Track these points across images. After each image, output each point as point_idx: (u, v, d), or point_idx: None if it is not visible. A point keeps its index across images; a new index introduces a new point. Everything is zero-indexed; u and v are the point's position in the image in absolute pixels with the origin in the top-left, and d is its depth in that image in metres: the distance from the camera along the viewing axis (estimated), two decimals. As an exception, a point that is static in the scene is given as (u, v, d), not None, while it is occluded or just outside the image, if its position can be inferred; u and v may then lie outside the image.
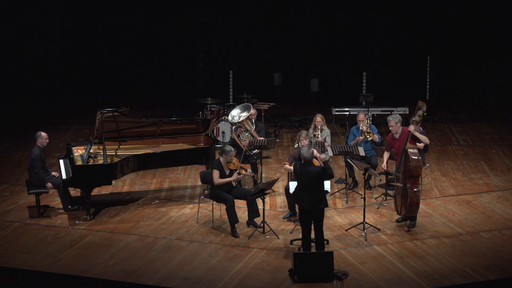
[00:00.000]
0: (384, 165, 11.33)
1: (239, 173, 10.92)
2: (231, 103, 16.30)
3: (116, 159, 11.56)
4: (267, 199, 11.40)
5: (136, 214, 11.65)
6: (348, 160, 11.68)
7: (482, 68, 19.06)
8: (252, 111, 12.79)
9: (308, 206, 9.55)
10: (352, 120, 14.87)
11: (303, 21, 19.24)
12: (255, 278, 9.43)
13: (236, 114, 12.73)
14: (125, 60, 19.34)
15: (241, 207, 11.38)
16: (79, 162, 11.47)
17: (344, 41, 19.27)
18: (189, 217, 11.47)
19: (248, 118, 12.62)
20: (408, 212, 10.72)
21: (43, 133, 11.60)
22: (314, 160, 10.00)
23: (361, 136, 12.33)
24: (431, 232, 10.78)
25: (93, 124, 12.09)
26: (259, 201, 10.97)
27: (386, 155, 11.41)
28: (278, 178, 11.37)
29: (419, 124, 11.08)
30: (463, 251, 10.13)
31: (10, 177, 13.39)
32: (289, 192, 10.78)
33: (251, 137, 12.38)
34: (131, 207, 11.93)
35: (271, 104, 16.13)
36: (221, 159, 10.91)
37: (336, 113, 16.03)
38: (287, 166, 11.06)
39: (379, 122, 16.12)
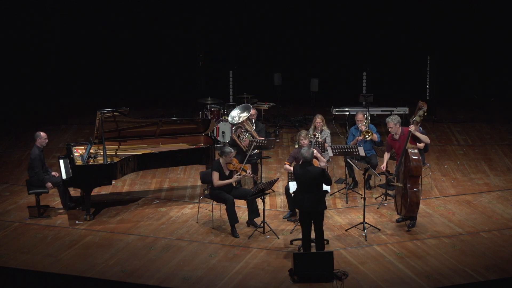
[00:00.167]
0: (384, 166, 11.33)
1: (239, 174, 10.92)
2: (231, 103, 16.31)
3: (116, 159, 11.56)
4: (267, 199, 11.40)
5: (136, 214, 11.65)
6: (348, 160, 11.68)
7: (482, 68, 19.05)
8: (252, 111, 12.79)
9: (308, 206, 9.56)
10: (352, 120, 14.88)
11: (303, 21, 19.24)
12: (255, 278, 9.43)
13: (236, 114, 12.73)
14: (125, 60, 19.34)
15: (241, 207, 11.38)
16: (79, 162, 11.47)
17: (344, 41, 19.27)
18: (189, 217, 11.47)
19: (248, 118, 12.61)
20: (408, 212, 10.72)
21: (42, 133, 11.60)
22: (314, 160, 10.00)
23: (360, 136, 12.34)
24: (431, 232, 10.78)
25: (93, 124, 12.09)
26: (259, 201, 10.97)
27: (386, 156, 11.41)
28: (278, 178, 11.37)
29: (419, 124, 11.08)
30: (463, 251, 10.13)
31: (10, 177, 13.39)
32: (289, 192, 10.78)
33: (251, 138, 12.37)
34: (131, 207, 11.93)
35: (271, 104, 16.13)
36: (220, 160, 10.91)
37: (336, 113, 16.04)
38: (287, 166, 11.06)
39: (379, 122, 16.12)
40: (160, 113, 17.63)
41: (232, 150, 10.97)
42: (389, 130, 11.15)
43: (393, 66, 19.16)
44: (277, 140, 15.38)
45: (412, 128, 10.80)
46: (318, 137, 12.17)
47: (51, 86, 19.06)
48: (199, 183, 12.40)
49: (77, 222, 11.27)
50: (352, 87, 18.25)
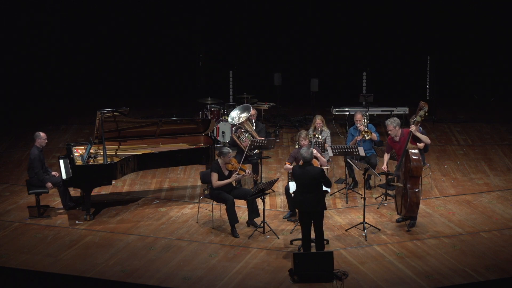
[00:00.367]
0: (384, 166, 11.34)
1: (237, 174, 10.91)
2: (231, 103, 16.31)
3: (116, 159, 11.56)
4: (267, 199, 11.40)
5: (136, 214, 11.65)
6: (348, 160, 11.68)
7: (482, 68, 19.05)
8: (252, 111, 12.79)
9: (308, 207, 9.55)
10: (352, 120, 14.88)
11: (303, 21, 19.23)
12: (255, 278, 9.43)
13: (236, 115, 12.73)
14: (125, 60, 19.33)
15: (241, 207, 11.38)
16: (79, 162, 11.47)
17: (344, 41, 19.27)
18: (189, 217, 11.47)
19: (248, 119, 12.61)
20: (408, 212, 10.72)
21: (41, 134, 11.60)
22: (314, 160, 9.99)
23: (359, 135, 12.35)
24: (431, 232, 10.78)
25: (93, 124, 12.09)
26: (259, 201, 10.97)
27: (386, 156, 11.42)
28: (278, 178, 11.37)
29: (419, 124, 11.08)
30: (463, 251, 10.13)
31: (10, 177, 13.39)
32: (289, 192, 10.78)
33: (252, 138, 12.37)
34: (131, 207, 11.93)
35: (271, 104, 16.13)
36: (219, 160, 10.91)
37: (336, 113, 16.05)
38: (287, 166, 11.06)
39: (379, 122, 16.12)
40: (160, 113, 17.62)
41: (230, 151, 10.97)
42: (389, 132, 11.16)
43: (393, 66, 19.16)
44: (277, 140, 15.38)
45: (413, 128, 10.80)
46: (318, 137, 12.17)
47: (51, 86, 19.05)
48: (199, 183, 12.40)
49: (77, 222, 11.27)
50: (352, 87, 18.25)
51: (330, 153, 11.85)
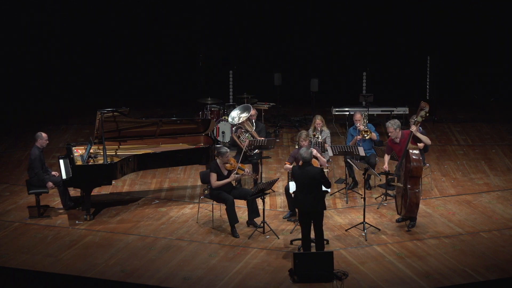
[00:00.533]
0: (385, 166, 11.34)
1: (236, 173, 10.91)
2: (231, 103, 16.31)
3: (116, 159, 11.56)
4: (267, 199, 11.40)
5: (136, 214, 11.65)
6: (348, 160, 11.68)
7: (482, 68, 19.05)
8: (252, 111, 12.79)
9: (308, 207, 9.55)
10: (352, 120, 14.88)
11: (303, 21, 19.23)
12: (255, 278, 9.43)
13: (236, 115, 12.73)
14: (125, 60, 19.34)
15: (241, 207, 11.38)
16: (79, 162, 11.47)
17: (344, 41, 19.27)
18: (189, 217, 11.47)
19: (248, 119, 12.61)
20: (407, 212, 10.72)
21: (43, 134, 11.60)
22: (314, 160, 9.99)
23: (359, 135, 12.35)
24: (431, 232, 10.78)
25: (93, 124, 12.09)
26: (259, 201, 10.97)
27: (386, 157, 11.42)
28: (278, 178, 11.37)
29: (419, 124, 11.08)
30: (463, 251, 10.13)
31: (10, 177, 13.39)
32: (289, 192, 10.78)
33: (252, 138, 12.37)
34: (131, 207, 11.93)
35: (271, 104, 16.13)
36: (217, 161, 10.91)
37: (336, 113, 16.05)
38: (287, 165, 11.06)
39: (379, 122, 16.13)
40: (160, 113, 17.62)
41: (228, 150, 10.97)
42: (389, 134, 11.17)
43: (393, 66, 19.16)
44: (277, 140, 15.38)
45: (413, 128, 10.80)
46: (318, 137, 12.17)
47: (51, 86, 19.05)
48: (199, 183, 12.40)
49: (77, 222, 11.27)
50: (352, 87, 18.25)
51: (330, 153, 11.86)
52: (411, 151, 10.59)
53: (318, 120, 12.37)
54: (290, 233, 10.78)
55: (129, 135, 12.25)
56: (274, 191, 12.49)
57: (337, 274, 9.33)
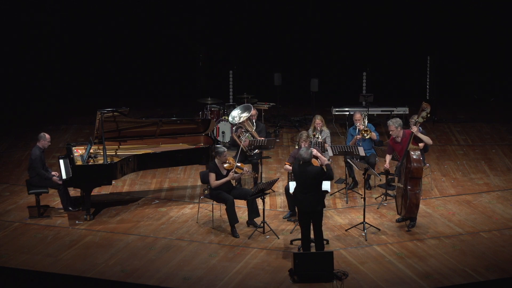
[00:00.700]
0: (386, 164, 11.34)
1: (235, 172, 10.90)
2: (231, 103, 16.31)
3: (116, 159, 11.56)
4: (267, 199, 11.40)
5: (136, 214, 11.65)
6: (348, 160, 11.68)
7: (482, 68, 19.05)
8: (253, 111, 12.80)
9: (307, 206, 9.55)
10: (352, 120, 14.89)
11: (303, 21, 19.23)
12: (255, 278, 9.43)
13: (237, 114, 12.73)
14: (125, 60, 19.33)
15: (241, 207, 11.38)
16: (79, 162, 11.47)
17: (344, 41, 19.27)
18: (189, 217, 11.47)
19: (248, 118, 12.62)
20: (407, 213, 10.72)
21: (47, 135, 11.59)
22: (314, 160, 9.99)
23: (359, 134, 12.35)
24: (431, 232, 10.78)
25: (93, 124, 12.08)
26: (259, 201, 10.97)
27: (388, 157, 11.42)
28: (278, 178, 11.37)
29: (419, 125, 11.08)
30: (463, 251, 10.13)
31: (10, 177, 13.39)
32: (289, 192, 10.78)
33: (252, 138, 12.37)
34: (131, 207, 11.93)
35: (271, 104, 16.13)
36: (216, 160, 10.91)
37: (336, 113, 16.06)
38: (287, 166, 11.06)
39: (379, 122, 16.13)
40: (160, 113, 17.62)
41: (226, 149, 10.97)
42: (391, 133, 11.16)
43: (393, 66, 19.15)
44: (277, 140, 15.38)
45: (414, 129, 10.80)
46: (318, 137, 12.17)
47: (51, 86, 19.05)
48: (199, 183, 12.40)
49: (77, 222, 11.27)
50: (352, 87, 18.25)
51: (330, 153, 11.86)
52: (412, 152, 10.58)
53: (318, 120, 12.37)
54: (290, 233, 10.78)
55: (129, 135, 12.25)
56: (274, 191, 12.49)
57: (337, 274, 9.34)
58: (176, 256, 10.07)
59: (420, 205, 10.94)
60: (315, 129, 12.36)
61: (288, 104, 18.22)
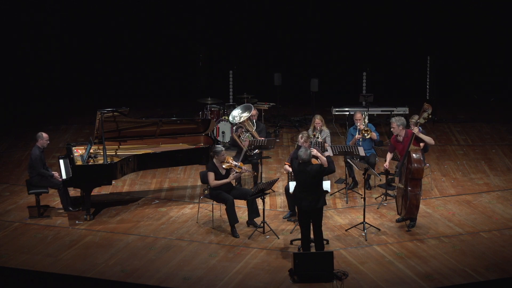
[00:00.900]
0: (386, 163, 11.34)
1: (235, 172, 10.90)
2: (231, 103, 16.31)
3: (116, 159, 11.56)
4: (267, 199, 11.40)
5: (136, 214, 11.65)
6: (348, 160, 11.68)
7: (482, 68, 19.05)
8: (253, 111, 12.80)
9: (307, 205, 9.55)
10: (352, 120, 14.90)
11: (303, 21, 19.23)
12: (255, 278, 9.43)
13: (237, 114, 12.73)
14: (125, 60, 19.33)
15: (241, 207, 11.38)
16: (79, 162, 11.47)
17: (344, 41, 19.27)
18: (189, 217, 11.47)
19: (248, 118, 12.62)
20: (407, 213, 10.72)
21: (44, 134, 11.60)
22: (314, 160, 9.99)
23: (359, 134, 12.35)
24: (431, 232, 10.78)
25: (93, 124, 12.09)
26: (259, 201, 10.97)
27: (389, 156, 11.41)
28: (278, 178, 11.37)
29: (419, 125, 11.08)
30: (463, 251, 10.13)
31: (10, 177, 13.39)
32: (289, 192, 10.77)
33: (252, 138, 12.38)
34: (131, 207, 11.93)
35: (271, 104, 16.13)
36: (214, 160, 10.90)
37: (336, 113, 16.06)
38: (287, 166, 11.05)
39: (379, 122, 16.13)
40: (160, 113, 17.63)
41: (223, 149, 10.97)
42: (392, 130, 11.15)
43: (393, 66, 19.16)
44: (277, 140, 15.38)
45: (415, 130, 10.79)
46: (317, 137, 12.17)
47: (51, 86, 19.05)
48: (199, 183, 12.40)
49: (77, 222, 11.27)
50: (352, 87, 18.25)
51: (330, 153, 11.84)
52: (413, 153, 10.57)
53: (318, 120, 12.37)
54: (290, 233, 10.78)
55: (129, 135, 12.25)
56: (274, 191, 12.49)
57: (337, 274, 9.34)
58: (176, 256, 10.07)
59: (420, 205, 10.94)
60: (315, 128, 12.36)
61: (288, 104, 18.22)
